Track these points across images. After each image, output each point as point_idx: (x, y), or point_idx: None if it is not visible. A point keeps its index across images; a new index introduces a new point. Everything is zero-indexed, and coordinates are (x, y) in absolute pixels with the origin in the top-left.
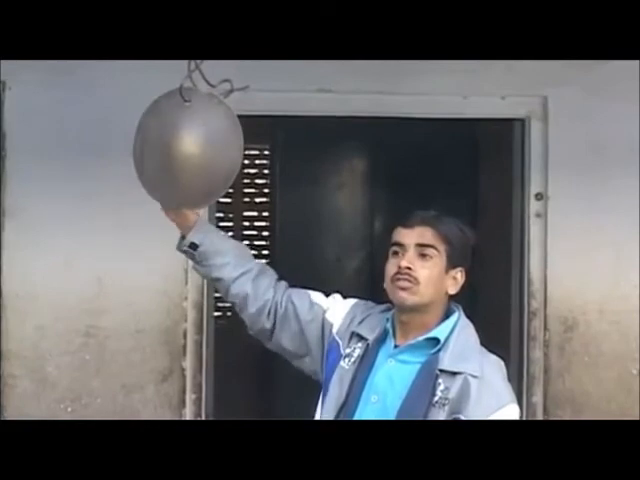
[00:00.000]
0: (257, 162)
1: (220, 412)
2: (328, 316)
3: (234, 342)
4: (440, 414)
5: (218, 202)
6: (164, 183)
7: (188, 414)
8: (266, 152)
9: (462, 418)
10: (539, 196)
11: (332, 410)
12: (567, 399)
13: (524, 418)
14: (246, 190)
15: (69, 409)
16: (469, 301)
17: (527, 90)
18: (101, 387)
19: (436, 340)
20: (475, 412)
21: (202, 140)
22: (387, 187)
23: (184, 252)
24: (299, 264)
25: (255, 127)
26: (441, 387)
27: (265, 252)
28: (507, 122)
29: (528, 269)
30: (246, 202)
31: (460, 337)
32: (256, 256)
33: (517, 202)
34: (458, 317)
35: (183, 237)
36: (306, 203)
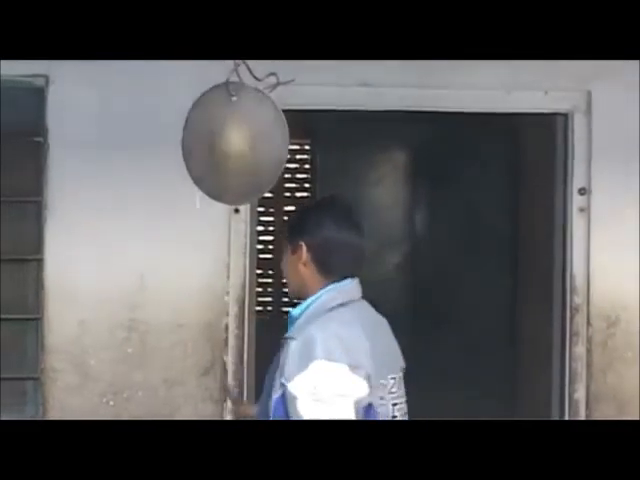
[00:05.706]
0: (298, 157)
1: None
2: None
3: (275, 337)
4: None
5: None
6: (211, 177)
7: (229, 408)
8: (307, 147)
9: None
10: (582, 191)
11: None
12: (609, 395)
13: (567, 414)
14: (287, 185)
15: (111, 403)
16: (510, 298)
17: (570, 84)
18: (143, 381)
19: None
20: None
21: (248, 135)
22: (428, 181)
23: None
24: None
25: (296, 121)
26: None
27: None
28: (550, 116)
29: (571, 264)
30: (287, 197)
31: None
32: None
33: (560, 197)
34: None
35: None
36: (346, 197)
